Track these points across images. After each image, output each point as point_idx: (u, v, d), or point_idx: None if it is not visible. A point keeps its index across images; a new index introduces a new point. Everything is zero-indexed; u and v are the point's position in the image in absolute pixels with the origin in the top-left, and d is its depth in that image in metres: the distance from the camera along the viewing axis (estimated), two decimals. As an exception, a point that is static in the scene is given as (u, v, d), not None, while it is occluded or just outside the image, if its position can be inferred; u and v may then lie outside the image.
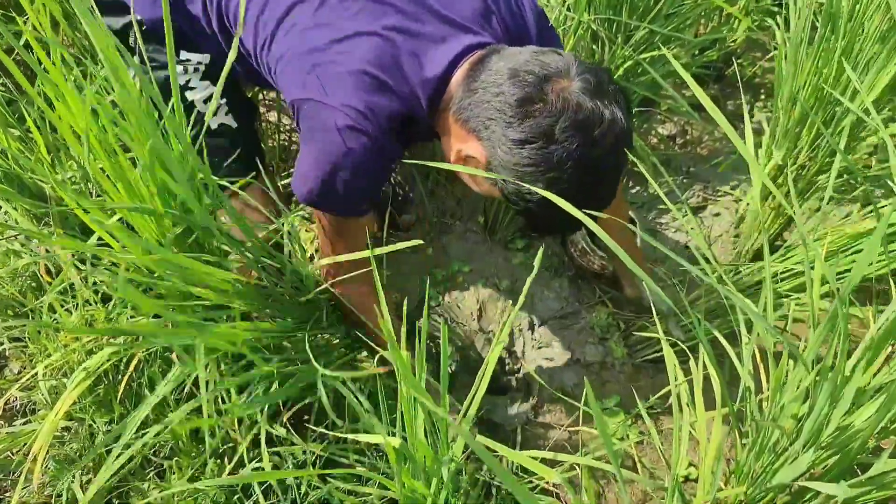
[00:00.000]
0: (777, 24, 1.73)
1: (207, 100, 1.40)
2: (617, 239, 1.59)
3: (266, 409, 1.19)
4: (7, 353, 1.34)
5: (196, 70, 1.39)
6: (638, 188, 1.92)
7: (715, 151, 2.01)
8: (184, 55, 1.38)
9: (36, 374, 1.20)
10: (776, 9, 1.96)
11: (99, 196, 1.31)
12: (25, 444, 1.24)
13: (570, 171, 1.03)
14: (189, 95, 1.39)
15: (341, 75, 1.13)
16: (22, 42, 1.54)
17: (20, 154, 1.22)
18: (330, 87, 1.14)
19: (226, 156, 1.42)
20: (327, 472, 0.95)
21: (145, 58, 1.06)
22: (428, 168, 1.85)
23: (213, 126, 1.42)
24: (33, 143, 1.31)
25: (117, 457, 1.01)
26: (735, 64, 2.13)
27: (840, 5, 1.41)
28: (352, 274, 1.29)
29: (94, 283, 1.24)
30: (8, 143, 1.21)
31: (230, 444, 1.23)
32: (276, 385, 1.17)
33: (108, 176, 1.08)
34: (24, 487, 1.21)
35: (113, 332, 1.10)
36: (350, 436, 0.95)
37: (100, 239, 1.11)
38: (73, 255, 1.17)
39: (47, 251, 1.23)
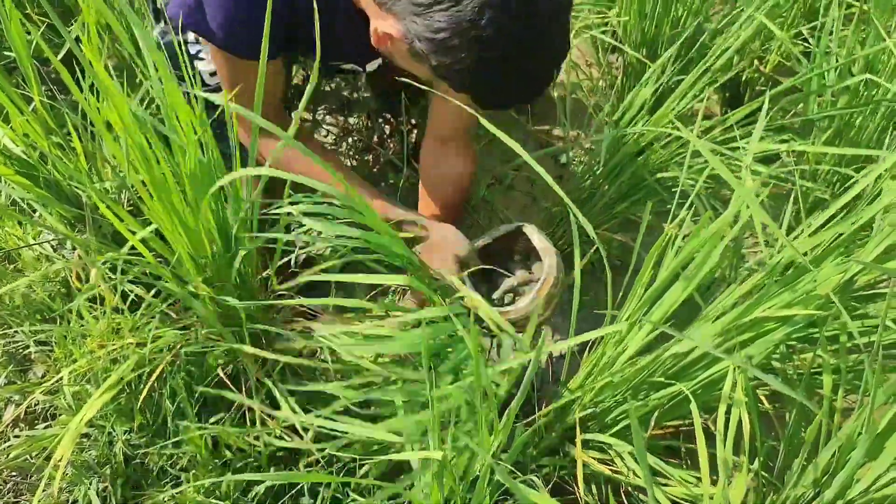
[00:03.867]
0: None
1: (214, 73, 1.40)
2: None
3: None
4: (32, 357, 1.35)
5: None
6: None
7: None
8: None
9: (60, 378, 1.20)
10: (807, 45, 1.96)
11: (131, 207, 1.32)
12: (45, 448, 1.25)
13: (493, 25, 0.94)
14: (198, 65, 1.40)
15: None
16: (63, 53, 1.57)
17: (59, 160, 1.23)
18: None
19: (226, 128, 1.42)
20: (352, 479, 0.94)
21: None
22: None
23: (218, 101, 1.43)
24: (72, 149, 1.33)
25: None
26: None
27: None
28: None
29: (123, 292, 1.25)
30: (49, 149, 1.22)
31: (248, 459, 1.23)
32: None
33: (146, 186, 1.09)
34: (43, 491, 1.22)
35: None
36: (401, 456, 0.93)
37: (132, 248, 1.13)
38: (104, 263, 1.18)
39: (80, 258, 1.24)
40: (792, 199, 1.34)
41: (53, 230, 1.04)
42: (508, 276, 1.36)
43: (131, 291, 1.23)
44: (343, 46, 1.29)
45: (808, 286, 0.87)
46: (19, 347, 1.35)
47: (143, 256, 1.13)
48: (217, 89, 1.42)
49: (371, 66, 1.45)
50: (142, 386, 1.25)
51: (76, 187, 1.26)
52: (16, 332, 1.32)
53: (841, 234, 0.94)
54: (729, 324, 0.92)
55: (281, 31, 1.19)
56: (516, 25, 0.95)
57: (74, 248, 1.31)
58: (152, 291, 1.21)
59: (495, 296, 1.34)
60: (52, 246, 1.33)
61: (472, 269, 1.29)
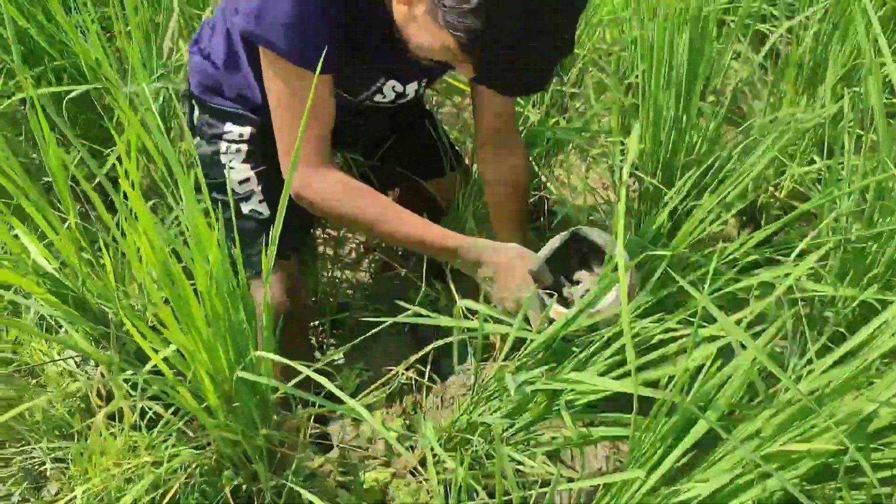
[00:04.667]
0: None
1: (243, 181, 1.45)
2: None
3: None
4: (48, 473, 1.35)
5: (238, 151, 1.47)
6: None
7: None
8: (227, 127, 1.47)
9: (74, 497, 1.19)
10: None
11: (152, 327, 1.35)
12: (53, 571, 1.22)
13: None
14: (228, 174, 1.47)
15: None
16: (103, 172, 1.64)
17: (89, 277, 1.27)
18: None
19: (252, 240, 1.45)
20: None
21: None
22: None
23: (245, 211, 1.49)
24: (101, 266, 1.37)
25: None
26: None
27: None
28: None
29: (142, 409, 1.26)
30: (80, 267, 1.27)
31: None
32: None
33: (169, 305, 1.12)
34: None
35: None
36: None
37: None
38: (126, 381, 1.20)
39: (102, 375, 1.26)
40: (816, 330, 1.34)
41: (78, 349, 1.07)
42: (575, 283, 1.38)
43: (150, 408, 1.24)
44: (374, 60, 1.35)
45: (826, 421, 0.86)
46: (36, 464, 1.35)
47: (164, 374, 1.15)
48: (245, 197, 1.48)
49: (388, 94, 1.47)
50: (154, 507, 1.24)
51: (103, 305, 1.30)
52: (33, 448, 1.32)
53: (857, 367, 0.94)
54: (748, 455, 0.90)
55: (334, 49, 1.23)
56: None
57: (97, 365, 1.33)
58: (171, 409, 1.22)
59: (575, 306, 1.30)
60: (75, 362, 1.35)
61: (545, 283, 1.27)
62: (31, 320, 1.42)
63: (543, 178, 2.03)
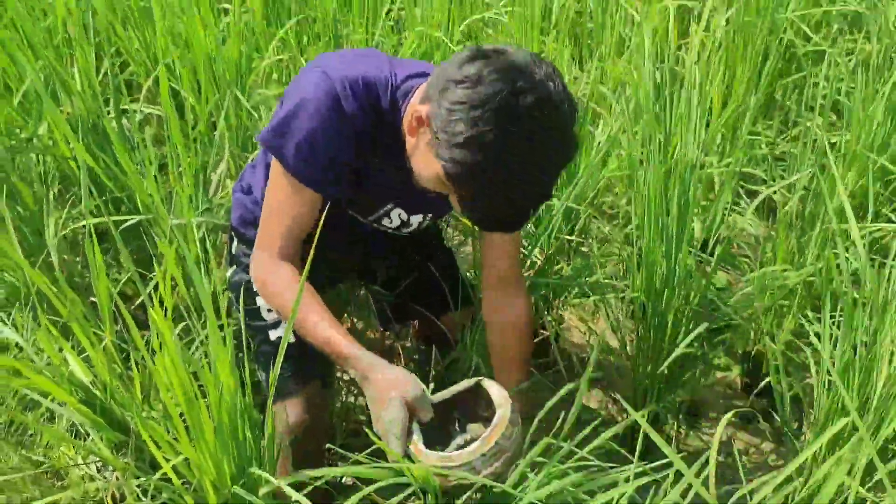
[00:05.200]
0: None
1: (272, 309, 1.55)
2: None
3: None
4: (60, 577, 1.45)
5: None
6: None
7: (759, 466, 2.03)
8: None
9: None
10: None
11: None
12: None
13: (490, 114, 1.11)
14: (259, 301, 1.58)
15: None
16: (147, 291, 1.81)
17: (118, 391, 1.42)
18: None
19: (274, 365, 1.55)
20: None
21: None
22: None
23: (272, 338, 1.59)
24: (129, 378, 1.51)
25: None
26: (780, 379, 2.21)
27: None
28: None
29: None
30: (111, 381, 1.42)
31: None
32: None
33: (183, 419, 1.25)
34: None
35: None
36: None
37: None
38: (138, 487, 1.32)
39: (117, 479, 1.38)
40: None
41: (100, 455, 1.20)
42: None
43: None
44: (383, 188, 1.49)
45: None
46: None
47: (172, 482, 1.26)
48: (274, 325, 1.60)
49: (394, 220, 1.58)
50: None
51: (127, 415, 1.43)
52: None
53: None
54: None
55: (346, 176, 1.39)
56: (511, 133, 1.13)
57: (115, 470, 1.45)
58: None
59: (447, 451, 1.24)
60: (96, 467, 1.47)
61: (423, 418, 1.26)
62: (63, 427, 1.56)
63: (550, 319, 2.14)
